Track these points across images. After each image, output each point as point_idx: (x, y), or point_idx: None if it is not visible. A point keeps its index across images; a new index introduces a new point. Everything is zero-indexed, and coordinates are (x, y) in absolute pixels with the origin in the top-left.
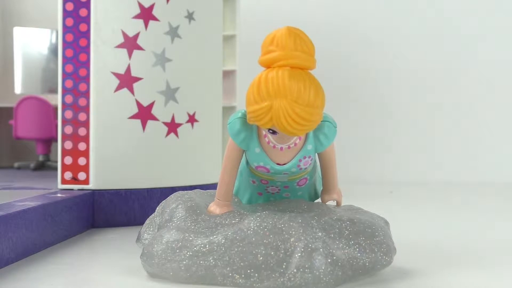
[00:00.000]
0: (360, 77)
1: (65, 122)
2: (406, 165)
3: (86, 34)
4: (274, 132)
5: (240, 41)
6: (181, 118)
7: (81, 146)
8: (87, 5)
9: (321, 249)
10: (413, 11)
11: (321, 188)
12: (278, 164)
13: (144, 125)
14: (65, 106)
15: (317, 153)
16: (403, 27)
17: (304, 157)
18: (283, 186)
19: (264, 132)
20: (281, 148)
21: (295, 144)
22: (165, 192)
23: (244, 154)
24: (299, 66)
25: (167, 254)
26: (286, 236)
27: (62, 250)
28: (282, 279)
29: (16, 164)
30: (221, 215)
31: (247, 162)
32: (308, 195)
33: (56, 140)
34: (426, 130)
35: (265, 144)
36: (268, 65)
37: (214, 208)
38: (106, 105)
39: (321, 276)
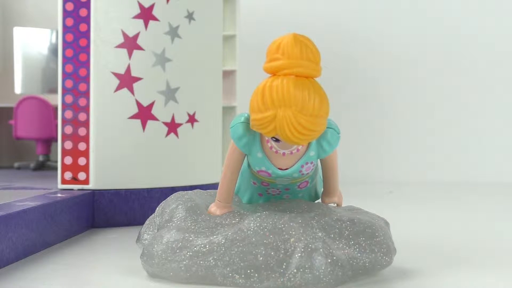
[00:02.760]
0: (360, 77)
1: (65, 122)
2: (406, 165)
3: (86, 34)
4: (277, 140)
5: (240, 41)
6: (181, 118)
7: (81, 146)
8: (87, 5)
9: (321, 249)
10: (414, 11)
11: (322, 189)
12: (280, 169)
13: (144, 125)
14: (65, 106)
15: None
16: (404, 27)
17: (307, 163)
18: (284, 188)
19: (266, 138)
20: (284, 154)
21: (298, 150)
22: (165, 192)
23: (246, 156)
24: (304, 75)
25: (167, 254)
26: (286, 236)
27: (62, 250)
28: (282, 279)
29: (16, 164)
30: (221, 215)
31: (249, 165)
32: (309, 196)
33: (56, 140)
34: (426, 130)
35: (268, 149)
36: (273, 73)
37: (214, 209)
38: (106, 105)
39: (321, 276)
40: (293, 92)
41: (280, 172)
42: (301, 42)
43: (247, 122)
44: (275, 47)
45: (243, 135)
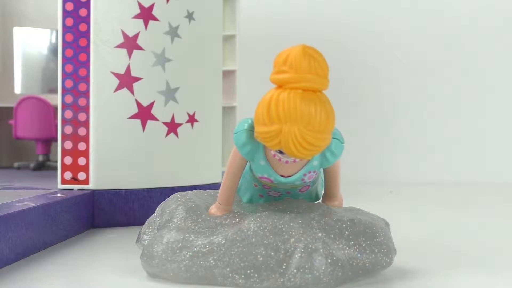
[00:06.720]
0: (360, 77)
1: (65, 122)
2: (406, 165)
3: (86, 34)
4: (281, 152)
5: (240, 41)
6: (181, 118)
7: (81, 146)
8: (87, 5)
9: (321, 250)
10: (414, 11)
11: (323, 191)
12: (282, 176)
13: (144, 125)
14: (65, 106)
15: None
16: (405, 27)
17: (309, 172)
18: (285, 191)
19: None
20: (287, 162)
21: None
22: (165, 192)
23: (248, 161)
24: (311, 89)
25: (167, 255)
26: (286, 236)
27: (62, 250)
28: (282, 280)
29: (16, 164)
30: (221, 216)
31: (251, 169)
32: (309, 198)
33: (56, 140)
34: (426, 129)
35: (271, 157)
36: (279, 85)
37: (214, 211)
38: (106, 105)
39: (321, 277)
40: (299, 108)
41: (282, 179)
42: (309, 55)
43: (251, 129)
44: (283, 59)
45: (247, 142)
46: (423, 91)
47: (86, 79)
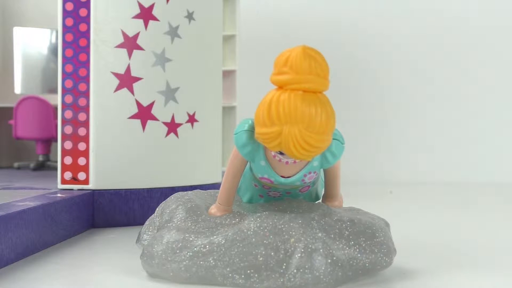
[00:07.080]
0: (360, 76)
1: (65, 122)
2: (406, 165)
3: (86, 34)
4: (281, 153)
5: (240, 41)
6: (181, 118)
7: (81, 146)
8: (87, 5)
9: (321, 250)
10: (415, 11)
11: (323, 191)
12: (282, 176)
13: (144, 125)
14: (65, 106)
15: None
16: (405, 27)
17: (310, 173)
18: (285, 192)
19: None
20: (287, 162)
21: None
22: (165, 192)
23: (248, 162)
24: (312, 90)
25: (167, 255)
26: (286, 236)
27: (62, 250)
28: (282, 280)
29: (16, 164)
30: (221, 216)
31: (251, 169)
32: (309, 199)
33: (56, 140)
34: (426, 130)
35: (271, 158)
36: (280, 86)
37: (214, 211)
38: (106, 105)
39: (321, 277)
40: (300, 109)
41: (282, 180)
42: (310, 56)
43: (251, 130)
44: (284, 60)
45: (247, 143)
46: (423, 91)
47: (86, 79)
